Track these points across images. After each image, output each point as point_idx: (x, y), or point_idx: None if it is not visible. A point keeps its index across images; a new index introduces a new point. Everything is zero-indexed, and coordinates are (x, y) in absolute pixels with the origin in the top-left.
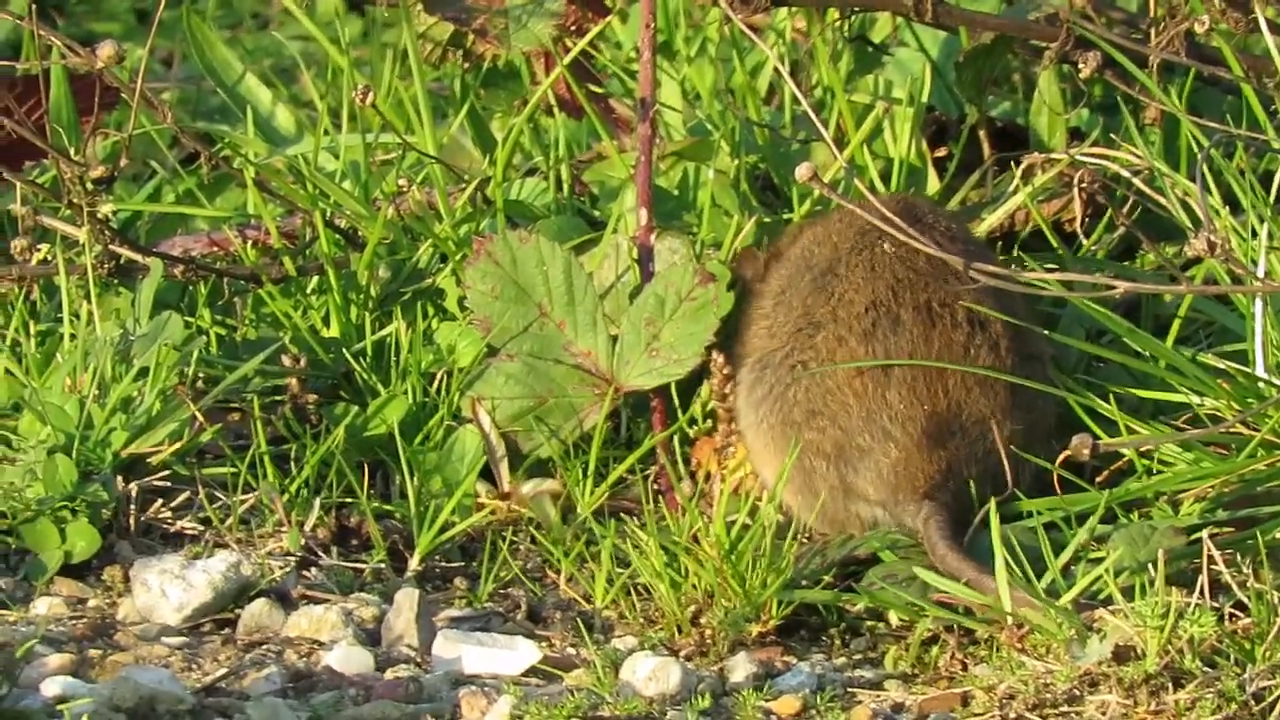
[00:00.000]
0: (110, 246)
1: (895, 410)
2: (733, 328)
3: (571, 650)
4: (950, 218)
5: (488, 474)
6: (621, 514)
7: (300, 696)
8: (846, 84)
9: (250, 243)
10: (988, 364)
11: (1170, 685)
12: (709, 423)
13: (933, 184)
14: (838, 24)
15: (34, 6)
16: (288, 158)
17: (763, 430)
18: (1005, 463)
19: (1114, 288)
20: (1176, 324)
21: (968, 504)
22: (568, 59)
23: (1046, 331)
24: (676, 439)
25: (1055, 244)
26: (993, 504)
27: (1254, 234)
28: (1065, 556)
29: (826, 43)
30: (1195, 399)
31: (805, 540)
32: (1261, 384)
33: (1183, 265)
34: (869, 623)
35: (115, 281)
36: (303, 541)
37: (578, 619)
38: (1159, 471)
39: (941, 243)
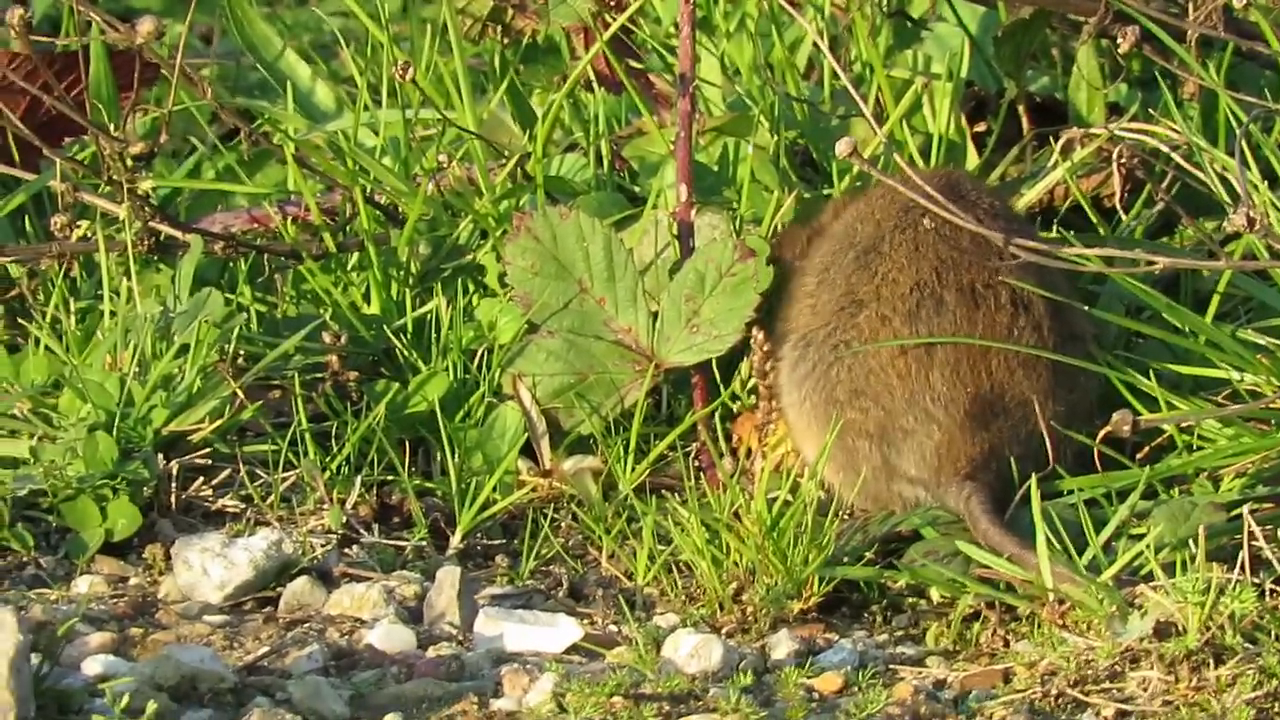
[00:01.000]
0: (150, 223)
1: (938, 392)
2: (775, 305)
3: (613, 628)
4: (993, 194)
5: (529, 451)
6: (663, 491)
7: (342, 674)
8: (885, 59)
9: (290, 219)
10: (1031, 345)
11: (1211, 661)
12: (750, 399)
13: (972, 159)
14: None
15: None
16: (327, 134)
17: (805, 409)
18: (1048, 442)
19: (1154, 263)
20: (1216, 299)
21: (1009, 483)
22: (607, 34)
23: (1087, 308)
24: (718, 416)
25: (1094, 219)
26: (1034, 481)
27: None
28: (1106, 533)
29: (865, 18)
30: (1235, 375)
31: (846, 517)
32: None
33: (1222, 241)
34: (910, 599)
35: (155, 258)
36: (344, 519)
37: (619, 596)
38: (1199, 448)
39: (984, 219)
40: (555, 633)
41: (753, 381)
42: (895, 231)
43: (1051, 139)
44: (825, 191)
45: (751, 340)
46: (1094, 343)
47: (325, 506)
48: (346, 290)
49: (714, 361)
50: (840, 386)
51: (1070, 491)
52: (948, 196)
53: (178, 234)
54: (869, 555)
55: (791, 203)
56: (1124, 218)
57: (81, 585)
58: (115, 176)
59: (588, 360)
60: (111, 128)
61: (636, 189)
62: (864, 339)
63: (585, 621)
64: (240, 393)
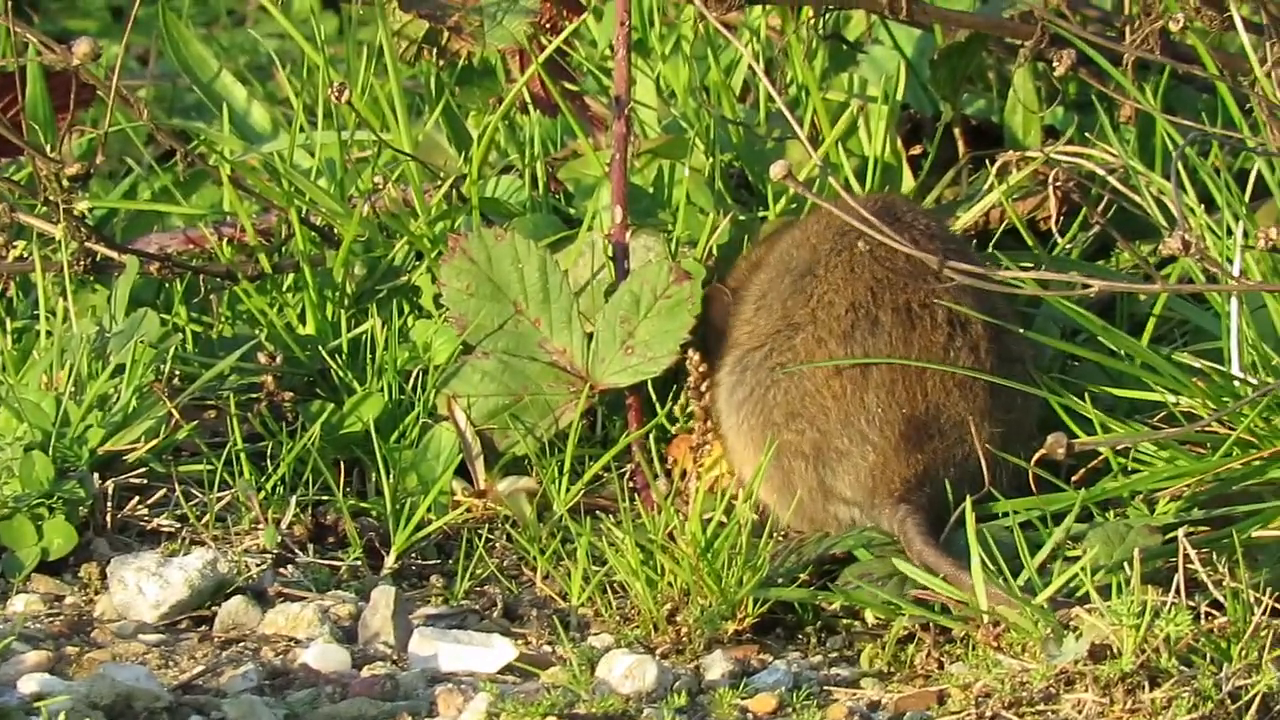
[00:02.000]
0: (86, 244)
1: (873, 413)
2: (712, 333)
3: (548, 648)
4: (929, 215)
5: (464, 471)
6: (597, 512)
7: (277, 694)
8: (821, 82)
9: (226, 240)
10: (967, 365)
11: (1146, 684)
12: (686, 421)
13: (908, 182)
14: (812, 21)
15: (9, 3)
16: (263, 155)
17: (743, 430)
18: (983, 464)
19: (1089, 286)
20: (1152, 323)
21: (944, 504)
22: (543, 56)
23: (1022, 330)
24: (652, 437)
25: (1030, 242)
26: (968, 502)
27: (1229, 232)
28: (1041, 555)
29: (801, 40)
30: (1171, 398)
31: (781, 539)
32: (1236, 383)
33: (1158, 264)
34: (845, 621)
35: (91, 278)
36: (279, 539)
37: (554, 617)
38: (1135, 470)
39: (920, 241)
40: (490, 653)
41: (688, 403)
42: (831, 255)
43: (988, 162)
44: (760, 214)
45: (687, 362)
46: (1031, 365)
47: (260, 526)
48: (282, 311)
49: (649, 383)
50: (777, 409)
51: (1006, 514)
52: (884, 220)
53: (114, 254)
54: (804, 577)
55: (726, 225)
56: (1060, 240)
57: (17, 604)
58: (51, 197)
59: (523, 381)
60: (48, 148)
61: (572, 211)
62: (800, 361)
63: (520, 642)
64: (176, 413)
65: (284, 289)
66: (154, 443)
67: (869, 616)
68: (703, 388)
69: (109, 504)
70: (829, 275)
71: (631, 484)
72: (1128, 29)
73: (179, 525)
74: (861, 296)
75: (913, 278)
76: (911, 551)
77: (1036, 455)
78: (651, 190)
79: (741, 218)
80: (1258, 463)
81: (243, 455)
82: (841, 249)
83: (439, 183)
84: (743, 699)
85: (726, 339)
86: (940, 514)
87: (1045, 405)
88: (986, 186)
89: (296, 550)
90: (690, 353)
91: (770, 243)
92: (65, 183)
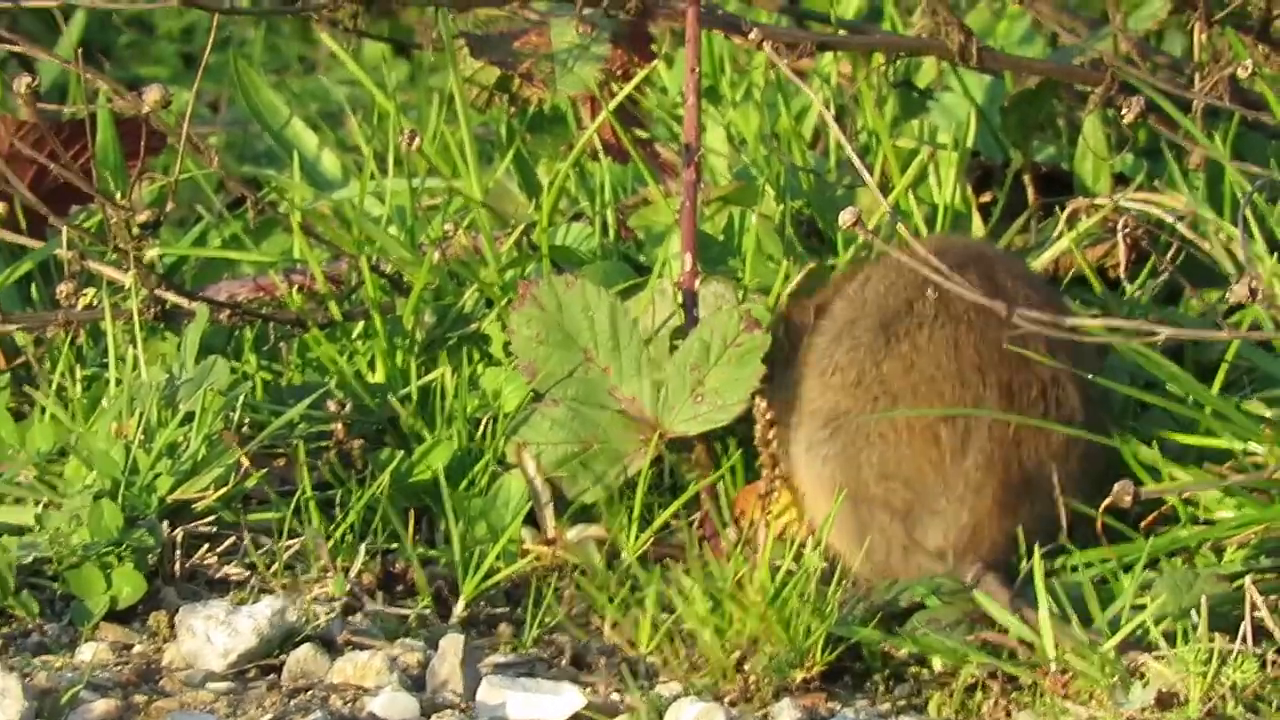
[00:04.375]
0: (156, 291)
1: (971, 479)
2: (785, 373)
3: (616, 696)
4: (1027, 274)
5: (532, 520)
6: (666, 560)
7: None
8: (891, 129)
9: (296, 287)
10: (1062, 436)
11: None
12: (754, 471)
13: (977, 229)
14: (883, 69)
15: (81, 50)
16: (334, 202)
17: (824, 484)
18: (1061, 519)
19: (1157, 333)
20: (1223, 370)
21: (1019, 556)
22: (613, 103)
23: (1091, 375)
24: (722, 485)
25: (1099, 289)
26: (1037, 554)
27: None
28: (1112, 610)
29: (872, 87)
30: (1239, 444)
31: (850, 586)
32: None
33: (1226, 311)
34: (913, 668)
35: (161, 326)
36: (348, 587)
37: (622, 665)
38: (1204, 521)
39: (1020, 301)
40: (558, 701)
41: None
42: (933, 323)
43: (1057, 209)
44: (830, 262)
45: (754, 410)
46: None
47: (329, 574)
48: (352, 358)
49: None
50: (868, 467)
51: (1075, 568)
52: (976, 270)
53: (183, 302)
54: (872, 624)
55: (797, 273)
56: (1129, 287)
57: (86, 652)
58: (121, 244)
59: (592, 429)
60: (118, 196)
61: (642, 258)
62: (898, 431)
63: (588, 690)
64: (245, 460)
65: (354, 336)
66: (223, 491)
67: (936, 664)
68: (770, 435)
69: (178, 552)
70: (931, 347)
71: (700, 532)
72: (1197, 76)
73: (248, 573)
74: (968, 375)
75: (1015, 355)
76: (989, 597)
77: (1105, 503)
78: (721, 238)
79: (811, 265)
80: None
81: (312, 503)
82: (944, 321)
83: (509, 230)
84: None
85: (802, 368)
86: (1014, 565)
87: (1115, 452)
88: (1056, 233)
89: (365, 598)
90: (757, 400)
91: (851, 273)
92: (135, 230)
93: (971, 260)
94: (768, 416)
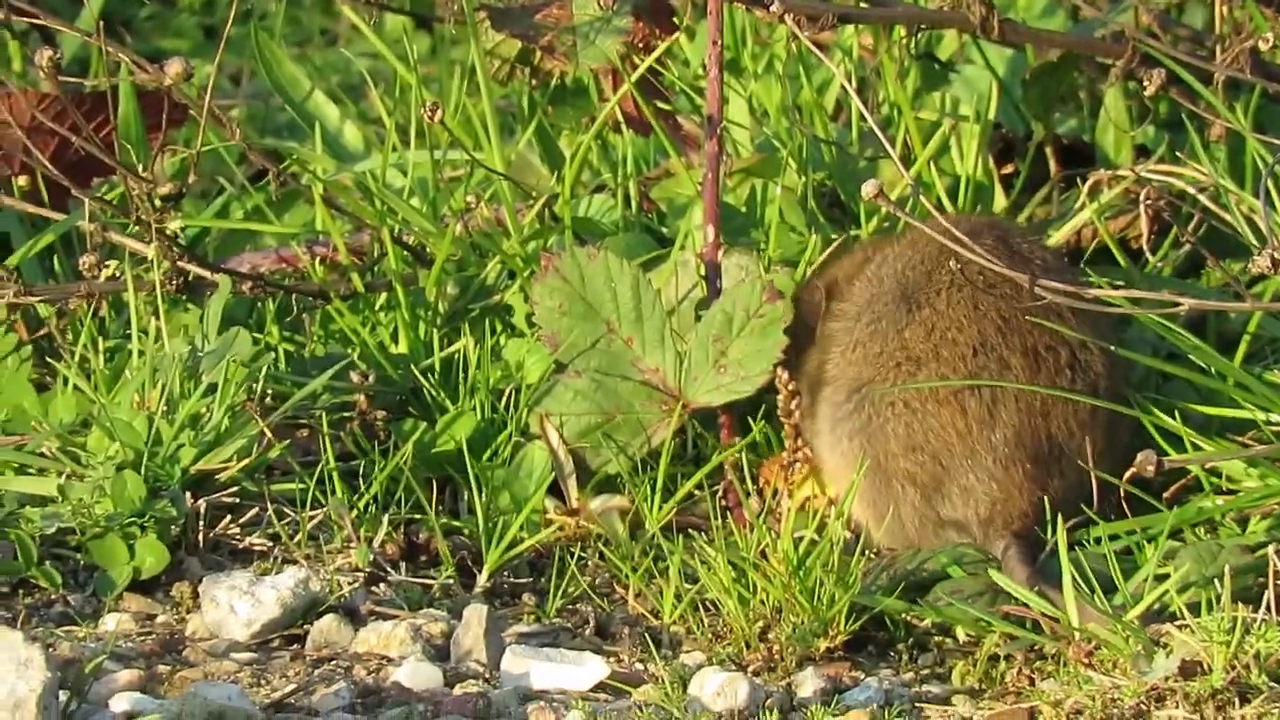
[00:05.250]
0: (178, 263)
1: (1000, 452)
2: (808, 344)
3: (640, 666)
4: (1046, 249)
5: (556, 490)
6: (689, 530)
7: (369, 712)
8: (913, 101)
9: (318, 259)
10: (1088, 407)
11: (1237, 700)
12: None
13: (999, 201)
14: (904, 41)
15: (102, 23)
16: (356, 174)
17: (850, 455)
18: (1094, 494)
19: (1179, 304)
20: (1245, 341)
21: (1045, 527)
22: (635, 76)
23: (1113, 348)
24: (744, 456)
25: (1121, 261)
26: (1061, 526)
27: None
28: (1137, 579)
29: (893, 60)
30: (1261, 415)
31: (873, 556)
32: None
33: (1248, 282)
34: (936, 638)
35: (183, 298)
36: (371, 557)
37: (645, 635)
38: (1228, 490)
39: (1039, 275)
40: (582, 671)
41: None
42: (952, 288)
43: (1079, 180)
44: (853, 233)
45: (776, 380)
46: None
47: (352, 545)
48: (374, 330)
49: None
50: (895, 439)
51: (1099, 539)
52: (997, 246)
53: (206, 274)
54: (895, 594)
55: (821, 245)
56: (1151, 259)
57: (109, 623)
58: (144, 217)
59: (615, 400)
60: (140, 168)
61: (664, 230)
62: (924, 398)
63: (612, 660)
64: (268, 432)
65: (376, 308)
66: (246, 462)
67: (960, 633)
68: (793, 406)
69: (201, 523)
70: (951, 310)
71: (724, 502)
72: (1218, 48)
73: (271, 544)
74: (991, 338)
75: (1037, 317)
76: (1012, 577)
77: (1128, 474)
78: (744, 209)
79: (833, 237)
80: None
81: (335, 474)
82: (963, 283)
83: (532, 202)
84: (834, 716)
85: (825, 350)
86: (1040, 538)
87: (1137, 424)
88: (1078, 205)
89: (389, 569)
90: (779, 371)
91: (871, 251)
92: (158, 202)
93: (987, 231)
94: (790, 387)
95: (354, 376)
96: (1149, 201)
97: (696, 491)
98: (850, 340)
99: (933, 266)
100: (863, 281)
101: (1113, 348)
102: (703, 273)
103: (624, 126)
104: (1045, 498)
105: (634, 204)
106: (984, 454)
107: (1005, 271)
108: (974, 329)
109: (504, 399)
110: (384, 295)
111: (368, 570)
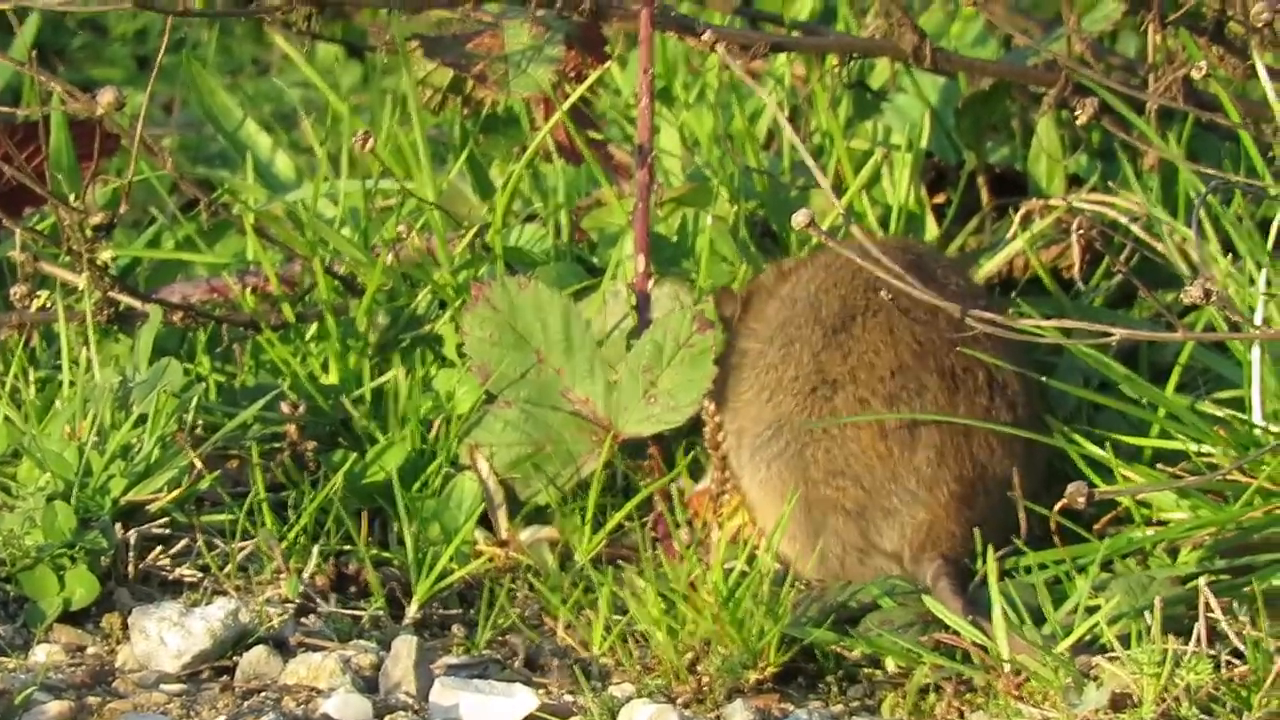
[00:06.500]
0: (109, 293)
1: (923, 474)
2: (722, 372)
3: (569, 697)
4: (960, 273)
5: (486, 521)
6: (619, 561)
7: None
8: (845, 130)
9: (249, 289)
10: (1007, 425)
11: None
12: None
13: (931, 230)
14: (836, 70)
15: (34, 52)
16: (287, 204)
17: (771, 485)
18: (1021, 521)
19: (1111, 334)
20: (1176, 371)
21: (975, 556)
22: (567, 105)
23: (1045, 378)
24: (674, 487)
25: (1053, 290)
26: (991, 555)
27: (1251, 281)
28: (1066, 608)
29: (825, 89)
30: (1193, 446)
31: (803, 587)
32: (1258, 431)
33: (1180, 312)
34: (866, 670)
35: (114, 328)
36: (301, 589)
37: (575, 666)
38: (1159, 522)
39: (952, 298)
40: (511, 702)
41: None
42: (867, 313)
43: (1011, 210)
44: (792, 259)
45: (703, 412)
46: (1044, 414)
47: (282, 576)
48: (305, 360)
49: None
50: (815, 466)
51: (1029, 569)
52: (913, 272)
53: (137, 304)
54: (826, 625)
55: (751, 275)
56: (1083, 289)
57: (39, 654)
58: (75, 246)
59: (545, 430)
60: (71, 198)
61: (595, 260)
62: (842, 424)
63: (541, 691)
64: (198, 462)
65: (307, 338)
66: (176, 492)
67: (890, 665)
68: (719, 437)
69: (131, 554)
70: (867, 334)
71: (653, 533)
72: (1151, 77)
73: (201, 575)
74: (907, 360)
75: (953, 340)
76: (945, 606)
77: (1058, 505)
78: (675, 239)
79: (764, 266)
80: (1279, 511)
81: (265, 505)
82: (878, 308)
83: (462, 231)
84: None
85: (740, 382)
86: (971, 566)
87: (1058, 452)
88: (1010, 234)
89: (318, 600)
90: (705, 402)
91: (783, 274)
92: (89, 232)
93: (899, 254)
94: (717, 419)
95: (284, 407)
96: (1081, 231)
97: (626, 523)
98: (764, 364)
99: (846, 289)
100: (776, 302)
101: (1024, 370)
102: (633, 302)
103: (555, 155)
104: (971, 518)
105: (565, 233)
106: (907, 475)
107: (937, 302)
108: (890, 352)
109: (434, 429)
110: (315, 325)
111: (297, 601)
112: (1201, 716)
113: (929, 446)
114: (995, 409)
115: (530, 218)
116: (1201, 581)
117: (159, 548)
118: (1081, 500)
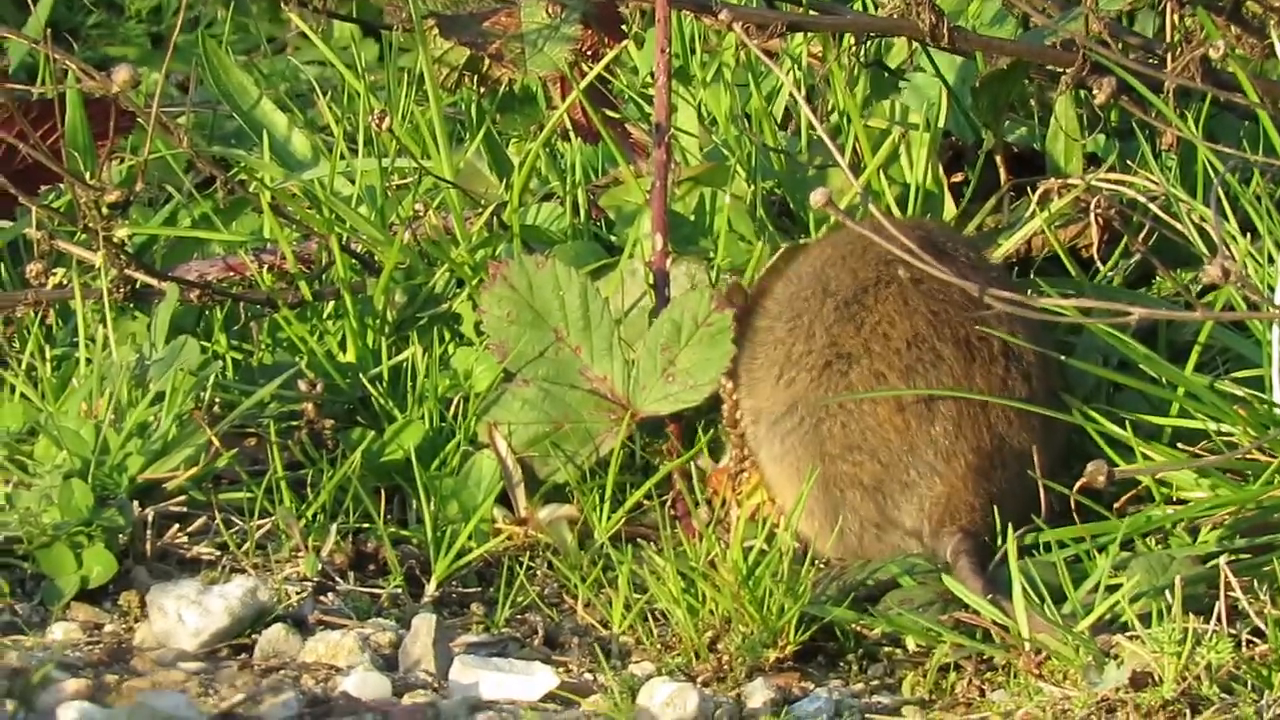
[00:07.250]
0: (126, 271)
1: (940, 445)
2: (738, 351)
3: (589, 676)
4: (970, 245)
5: (504, 499)
6: (638, 539)
7: None
8: (863, 109)
9: (266, 267)
10: (1023, 397)
11: (1188, 711)
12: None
13: (949, 209)
14: (854, 49)
15: (50, 31)
16: (304, 182)
17: (788, 462)
18: (1041, 494)
19: (1130, 314)
20: (1195, 351)
21: (994, 533)
22: (584, 83)
23: (1064, 357)
24: (693, 465)
25: (1071, 270)
26: (1011, 534)
27: (1270, 260)
28: (1086, 587)
29: (843, 68)
30: (1212, 425)
31: (823, 566)
32: (1278, 410)
33: (1199, 292)
34: (886, 648)
35: (131, 306)
36: (319, 567)
37: (595, 645)
38: (1178, 501)
39: (965, 272)
40: (531, 681)
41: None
42: (879, 285)
43: (1029, 189)
44: (802, 241)
45: (721, 390)
46: (1063, 393)
47: (300, 554)
48: (322, 338)
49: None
50: (831, 441)
51: (1049, 546)
52: (926, 250)
53: (154, 282)
54: (845, 604)
55: (769, 254)
56: (1101, 268)
57: (57, 632)
58: (91, 224)
59: (563, 409)
60: (87, 175)
61: (613, 238)
62: (857, 398)
63: (561, 670)
64: (216, 440)
65: (324, 316)
66: (194, 470)
67: (910, 644)
68: (738, 415)
69: (149, 532)
70: (880, 305)
71: (673, 512)
72: (1169, 57)
73: (219, 553)
74: (922, 330)
75: (966, 310)
76: (965, 585)
77: (1079, 484)
78: (692, 218)
79: (782, 245)
80: None
81: (283, 483)
82: (890, 279)
83: (480, 210)
84: None
85: (753, 360)
86: (991, 544)
87: (1078, 431)
88: (1028, 214)
89: (337, 578)
90: (724, 381)
91: (790, 256)
92: (105, 210)
93: (922, 242)
94: (735, 396)
95: (302, 385)
96: (1099, 210)
97: (645, 501)
98: (773, 339)
99: (856, 263)
100: (783, 280)
101: (1036, 346)
102: (651, 281)
103: (572, 134)
104: (989, 490)
105: (582, 212)
106: (924, 448)
107: (956, 281)
108: (906, 322)
109: (452, 408)
110: (332, 304)
111: (316, 580)
112: (1222, 695)
113: (946, 418)
114: (1011, 379)
115: (548, 196)
116: (1222, 560)
117: (176, 526)
118: (1102, 479)
